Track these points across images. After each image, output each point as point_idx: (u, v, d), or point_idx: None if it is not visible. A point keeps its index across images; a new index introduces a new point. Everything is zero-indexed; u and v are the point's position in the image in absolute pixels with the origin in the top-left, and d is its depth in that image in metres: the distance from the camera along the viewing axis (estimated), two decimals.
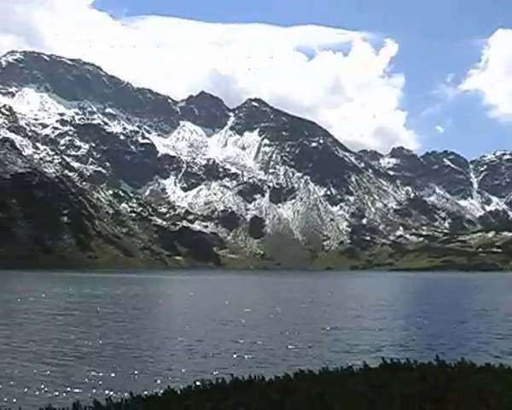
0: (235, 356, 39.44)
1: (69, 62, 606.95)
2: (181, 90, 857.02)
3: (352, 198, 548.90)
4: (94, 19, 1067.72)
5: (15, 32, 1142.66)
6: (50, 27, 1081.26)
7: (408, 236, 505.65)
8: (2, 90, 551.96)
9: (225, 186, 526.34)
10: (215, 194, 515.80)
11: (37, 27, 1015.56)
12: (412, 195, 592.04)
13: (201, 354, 40.48)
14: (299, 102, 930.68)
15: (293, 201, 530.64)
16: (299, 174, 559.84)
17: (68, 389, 30.10)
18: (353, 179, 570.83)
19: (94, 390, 29.53)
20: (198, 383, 17.40)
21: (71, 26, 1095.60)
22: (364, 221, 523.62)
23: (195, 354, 40.55)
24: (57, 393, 29.19)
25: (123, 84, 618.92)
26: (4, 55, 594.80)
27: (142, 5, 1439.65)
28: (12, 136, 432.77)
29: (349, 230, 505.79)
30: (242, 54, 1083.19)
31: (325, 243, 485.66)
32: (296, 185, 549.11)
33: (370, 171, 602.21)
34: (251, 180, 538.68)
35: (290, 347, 43.60)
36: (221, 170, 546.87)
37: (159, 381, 31.01)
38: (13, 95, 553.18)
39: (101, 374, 33.45)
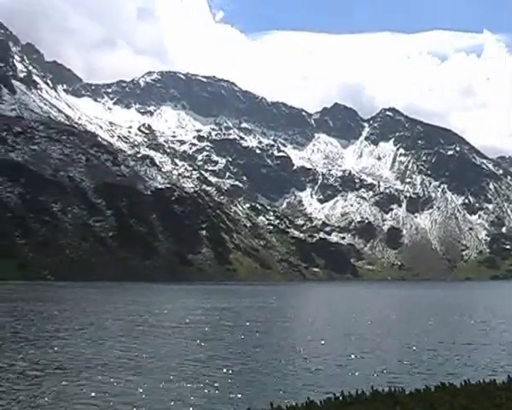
0: (371, 368, 39.09)
1: (204, 80, 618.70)
2: (314, 102, 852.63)
3: (490, 206, 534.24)
4: (223, 34, 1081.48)
5: (148, 53, 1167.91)
6: (180, 45, 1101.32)
7: None
8: (142, 110, 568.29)
9: (362, 197, 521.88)
10: (351, 205, 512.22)
11: (168, 46, 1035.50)
12: None
13: (337, 365, 40.33)
14: (430, 108, 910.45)
15: (430, 210, 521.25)
16: (436, 183, 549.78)
17: (205, 401, 30.47)
18: (492, 187, 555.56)
19: (232, 402, 29.90)
20: (338, 395, 17.32)
21: (200, 43, 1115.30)
22: (504, 230, 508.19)
23: (331, 365, 40.42)
24: (190, 407, 29.59)
25: (257, 98, 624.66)
26: (142, 76, 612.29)
27: (268, 19, 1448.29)
28: (151, 153, 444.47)
29: (488, 239, 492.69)
30: (371, 62, 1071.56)
31: (464, 253, 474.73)
32: (433, 194, 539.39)
33: (509, 178, 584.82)
34: (387, 190, 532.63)
35: (427, 360, 42.93)
36: (357, 181, 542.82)
37: (296, 393, 31.08)
38: (151, 113, 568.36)
39: (235, 386, 33.69)
